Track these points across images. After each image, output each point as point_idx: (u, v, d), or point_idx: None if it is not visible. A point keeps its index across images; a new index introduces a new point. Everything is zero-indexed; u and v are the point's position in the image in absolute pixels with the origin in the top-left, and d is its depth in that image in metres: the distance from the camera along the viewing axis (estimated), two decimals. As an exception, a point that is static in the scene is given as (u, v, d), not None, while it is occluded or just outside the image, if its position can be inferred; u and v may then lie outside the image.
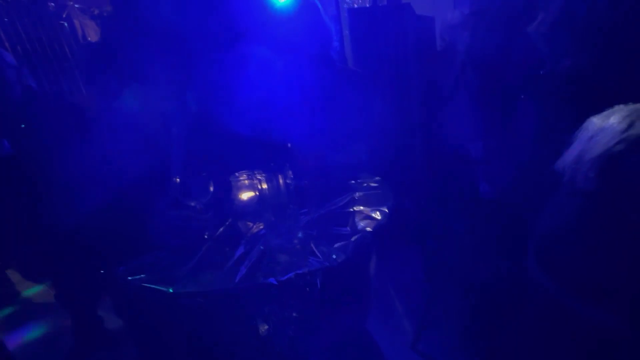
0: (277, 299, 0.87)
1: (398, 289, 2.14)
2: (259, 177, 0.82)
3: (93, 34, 3.56)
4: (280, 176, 0.81)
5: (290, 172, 0.82)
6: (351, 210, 0.98)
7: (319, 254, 0.77)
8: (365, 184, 1.16)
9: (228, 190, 1.10)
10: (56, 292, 1.76)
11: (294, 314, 1.08)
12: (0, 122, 1.42)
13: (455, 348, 1.65)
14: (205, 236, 0.96)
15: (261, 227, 0.97)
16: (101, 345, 1.75)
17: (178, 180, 0.95)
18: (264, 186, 0.82)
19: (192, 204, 0.97)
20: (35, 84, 1.70)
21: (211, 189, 0.99)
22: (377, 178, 1.19)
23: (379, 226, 0.87)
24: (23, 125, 1.48)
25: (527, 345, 1.04)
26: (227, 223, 1.05)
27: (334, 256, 0.77)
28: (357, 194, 1.09)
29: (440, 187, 1.85)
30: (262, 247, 0.85)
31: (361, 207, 0.99)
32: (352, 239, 0.81)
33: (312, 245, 0.82)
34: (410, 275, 2.20)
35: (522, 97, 2.23)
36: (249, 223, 1.01)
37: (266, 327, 1.06)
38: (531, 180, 2.24)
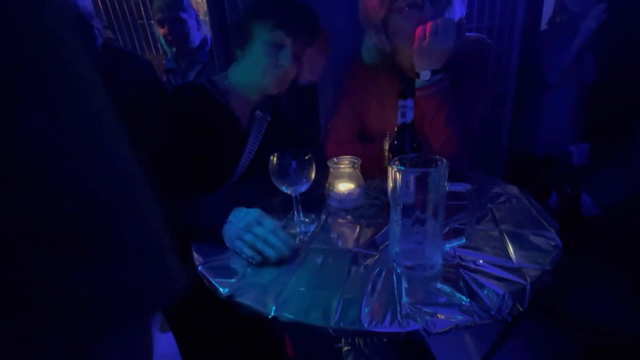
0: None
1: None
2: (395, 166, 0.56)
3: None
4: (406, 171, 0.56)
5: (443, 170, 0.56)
6: (498, 229, 0.71)
7: (487, 302, 0.52)
8: (498, 195, 0.87)
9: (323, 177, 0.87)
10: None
11: (385, 340, 0.89)
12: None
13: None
14: (298, 240, 0.73)
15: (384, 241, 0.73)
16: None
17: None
18: (397, 178, 0.57)
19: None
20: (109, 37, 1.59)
21: (313, 174, 0.75)
22: (513, 186, 0.90)
23: (557, 263, 0.60)
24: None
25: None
26: (322, 221, 0.82)
27: (507, 311, 0.51)
28: (488, 206, 0.82)
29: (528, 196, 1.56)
30: (384, 270, 0.62)
31: (510, 227, 0.71)
32: (527, 281, 0.55)
33: (469, 281, 0.56)
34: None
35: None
36: (358, 227, 0.78)
37: (352, 354, 0.87)
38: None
